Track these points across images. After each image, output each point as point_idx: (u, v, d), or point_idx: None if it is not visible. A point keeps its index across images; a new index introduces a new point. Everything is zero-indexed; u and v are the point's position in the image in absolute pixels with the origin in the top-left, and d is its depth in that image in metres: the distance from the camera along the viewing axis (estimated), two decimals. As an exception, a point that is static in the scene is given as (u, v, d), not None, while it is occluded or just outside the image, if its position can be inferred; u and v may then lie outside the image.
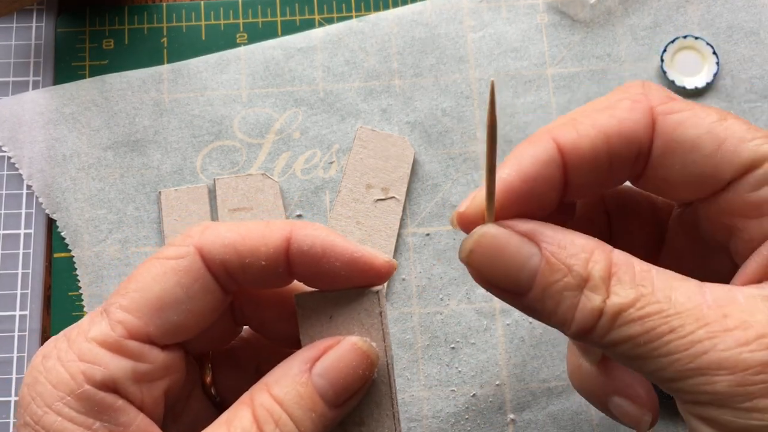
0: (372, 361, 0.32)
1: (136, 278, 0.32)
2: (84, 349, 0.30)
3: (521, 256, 0.28)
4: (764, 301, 0.27)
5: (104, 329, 0.31)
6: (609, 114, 0.30)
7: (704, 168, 0.29)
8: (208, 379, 0.37)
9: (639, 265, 0.28)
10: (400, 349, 0.49)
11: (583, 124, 0.30)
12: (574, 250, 0.28)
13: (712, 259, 0.31)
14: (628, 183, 0.33)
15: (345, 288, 0.33)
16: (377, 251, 0.32)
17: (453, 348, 0.49)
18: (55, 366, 0.30)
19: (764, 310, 0.26)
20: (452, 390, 0.48)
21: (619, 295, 0.27)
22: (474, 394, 0.48)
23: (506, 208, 0.30)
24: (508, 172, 0.29)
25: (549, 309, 0.28)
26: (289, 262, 0.32)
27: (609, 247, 0.28)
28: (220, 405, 0.37)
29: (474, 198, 0.30)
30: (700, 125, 0.29)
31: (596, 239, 0.29)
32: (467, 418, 0.48)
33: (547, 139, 0.30)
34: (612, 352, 0.28)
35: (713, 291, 0.27)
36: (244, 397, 0.31)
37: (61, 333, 0.32)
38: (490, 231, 0.29)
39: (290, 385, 0.31)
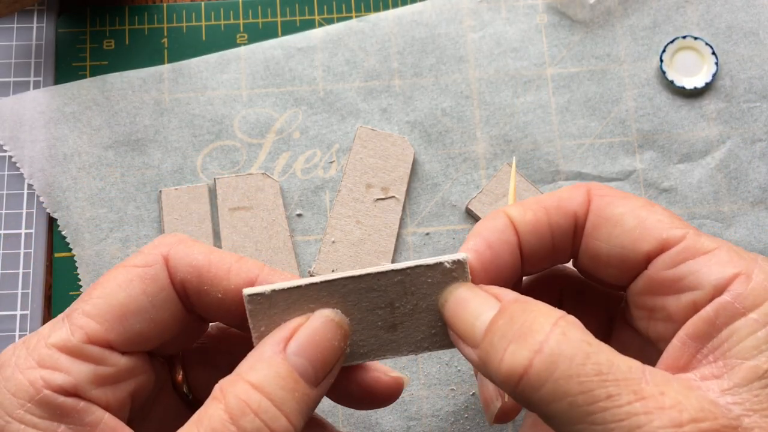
0: (345, 331, 0.31)
1: (102, 284, 0.32)
2: (43, 355, 0.30)
3: (481, 308, 0.30)
4: (697, 389, 0.27)
5: (64, 334, 0.31)
6: (552, 195, 0.34)
7: (625, 242, 0.31)
8: (179, 378, 0.36)
9: (587, 332, 0.28)
10: (400, 348, 0.49)
11: (529, 201, 0.33)
12: (527, 305, 0.29)
13: (652, 356, 0.31)
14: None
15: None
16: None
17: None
18: (14, 374, 0.30)
19: (697, 395, 0.26)
20: (452, 389, 0.48)
21: (560, 345, 0.27)
22: (473, 393, 0.48)
23: (480, 273, 0.32)
24: (473, 242, 0.32)
25: (495, 358, 0.28)
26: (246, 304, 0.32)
27: (564, 312, 0.29)
28: (193, 402, 0.37)
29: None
30: (626, 205, 0.32)
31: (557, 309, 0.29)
32: (467, 417, 0.48)
33: (499, 213, 0.33)
34: (546, 411, 0.27)
35: (652, 370, 0.27)
36: (215, 392, 0.30)
37: (20, 341, 0.32)
38: (462, 286, 0.31)
39: (266, 368, 0.29)
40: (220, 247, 0.50)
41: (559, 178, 0.52)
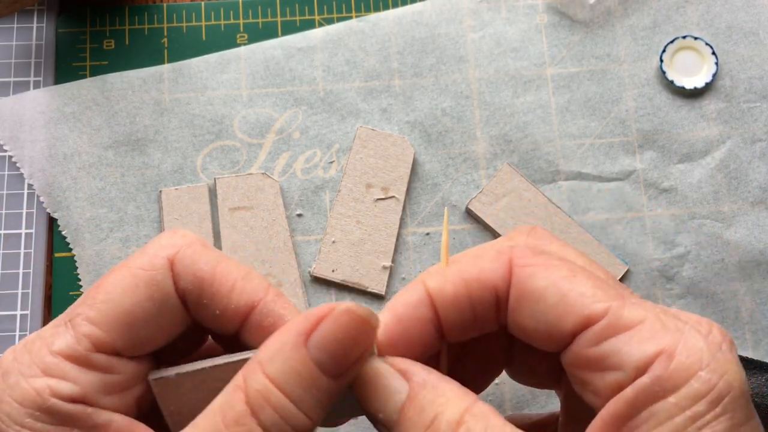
0: (373, 326, 0.30)
1: (106, 289, 0.31)
2: (49, 363, 0.30)
3: (390, 387, 0.29)
4: None
5: (69, 342, 0.30)
6: (474, 263, 0.32)
7: (549, 319, 0.30)
8: None
9: (495, 420, 0.28)
10: (400, 348, 0.49)
11: (451, 270, 0.32)
12: (436, 391, 0.29)
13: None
14: None
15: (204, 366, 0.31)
16: None
17: (453, 347, 0.49)
18: (19, 382, 0.29)
19: None
20: (452, 389, 0.48)
21: None
22: (474, 393, 0.48)
23: (387, 348, 0.31)
24: (382, 316, 0.31)
25: None
26: (243, 325, 0.32)
27: (473, 398, 0.29)
28: None
29: None
30: (548, 277, 0.30)
31: (465, 389, 0.29)
32: (467, 417, 0.48)
33: (418, 285, 0.32)
34: None
35: None
36: (238, 379, 0.29)
37: (20, 344, 0.31)
38: (370, 361, 0.30)
39: (286, 361, 0.28)
40: (220, 247, 0.50)
41: (559, 178, 0.52)
